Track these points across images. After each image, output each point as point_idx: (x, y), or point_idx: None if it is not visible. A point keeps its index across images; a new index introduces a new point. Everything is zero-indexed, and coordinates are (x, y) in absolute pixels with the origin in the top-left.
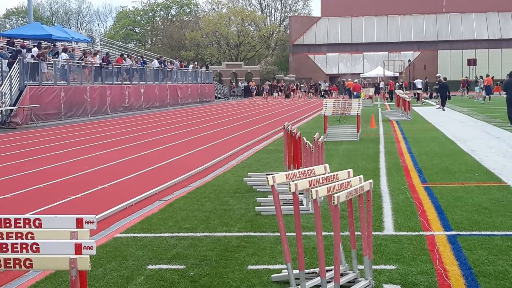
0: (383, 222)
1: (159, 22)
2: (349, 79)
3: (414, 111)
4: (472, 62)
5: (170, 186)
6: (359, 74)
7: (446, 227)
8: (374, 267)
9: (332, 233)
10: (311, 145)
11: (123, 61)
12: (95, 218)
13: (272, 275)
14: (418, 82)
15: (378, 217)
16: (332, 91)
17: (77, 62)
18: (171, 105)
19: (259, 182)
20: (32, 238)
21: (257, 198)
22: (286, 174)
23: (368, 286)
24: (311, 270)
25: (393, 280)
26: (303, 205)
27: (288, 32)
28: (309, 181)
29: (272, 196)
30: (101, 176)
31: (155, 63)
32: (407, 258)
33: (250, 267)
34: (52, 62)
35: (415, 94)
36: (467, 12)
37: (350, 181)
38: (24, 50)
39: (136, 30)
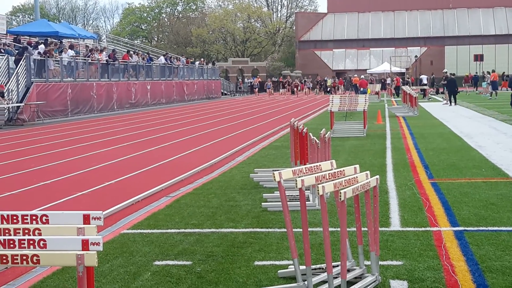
0: (389, 218)
1: (166, 19)
2: (355, 75)
3: (420, 107)
4: (479, 58)
5: (177, 183)
6: (366, 70)
7: (453, 223)
8: (380, 262)
9: (338, 229)
10: (318, 141)
11: (130, 57)
12: (102, 214)
13: (279, 271)
14: (424, 78)
15: (384, 213)
16: (335, 86)
17: (83, 59)
18: (177, 101)
19: (265, 178)
20: (39, 234)
21: (264, 194)
22: (292, 170)
23: (374, 281)
24: (318, 266)
25: (399, 275)
26: (309, 201)
27: (294, 28)
28: (315, 177)
29: (278, 192)
30: (107, 172)
31: (162, 59)
32: (413, 253)
33: (256, 263)
34: (59, 59)
35: (421, 90)
36: (474, 7)
37: (356, 177)
38: (31, 48)
39: (143, 27)
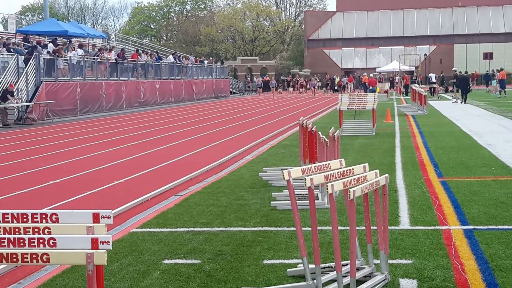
0: (399, 217)
1: (174, 18)
2: (365, 74)
3: (430, 105)
4: (488, 56)
5: (186, 181)
6: (375, 68)
7: (463, 222)
8: (390, 261)
9: (347, 228)
10: (327, 140)
11: (139, 56)
12: (111, 213)
13: (288, 270)
14: (432, 76)
15: (394, 212)
16: (341, 85)
17: (92, 58)
18: (186, 100)
19: (274, 177)
20: (49, 233)
21: (273, 193)
22: (301, 169)
23: (384, 280)
24: (327, 264)
25: (409, 274)
26: (318, 199)
27: (303, 26)
28: (324, 175)
29: (287, 190)
30: (116, 171)
31: (170, 58)
32: (423, 252)
33: (265, 261)
34: (68, 58)
35: (430, 89)
36: (483, 5)
37: (366, 175)
38: (40, 47)
39: (151, 26)
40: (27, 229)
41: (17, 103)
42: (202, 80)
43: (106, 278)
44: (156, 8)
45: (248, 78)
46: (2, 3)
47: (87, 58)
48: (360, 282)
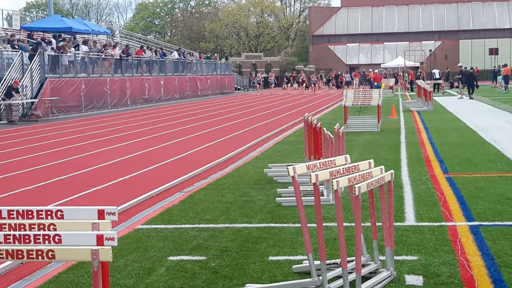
0: (404, 213)
1: (179, 14)
2: (370, 70)
3: (435, 101)
4: (494, 52)
5: (190, 178)
6: (380, 64)
7: (468, 218)
8: (395, 257)
9: (353, 224)
10: (332, 136)
11: (143, 53)
12: (116, 209)
13: (293, 266)
14: (436, 72)
15: (399, 208)
16: (342, 81)
17: (97, 55)
18: (191, 96)
19: (279, 173)
20: (54, 229)
21: (278, 189)
22: (306, 165)
23: (389, 276)
24: (332, 261)
25: (415, 270)
26: (323, 196)
27: (307, 22)
28: (330, 171)
29: (292, 187)
30: (121, 168)
31: (175, 55)
32: (429, 248)
33: (271, 258)
34: (72, 54)
35: (434, 85)
36: (488, 1)
37: (371, 171)
38: (44, 44)
39: (156, 22)
40: (32, 226)
41: (22, 99)
42: (207, 76)
43: (112, 275)
44: (161, 4)
45: (253, 74)
46: None
47: (91, 55)
48: (365, 278)
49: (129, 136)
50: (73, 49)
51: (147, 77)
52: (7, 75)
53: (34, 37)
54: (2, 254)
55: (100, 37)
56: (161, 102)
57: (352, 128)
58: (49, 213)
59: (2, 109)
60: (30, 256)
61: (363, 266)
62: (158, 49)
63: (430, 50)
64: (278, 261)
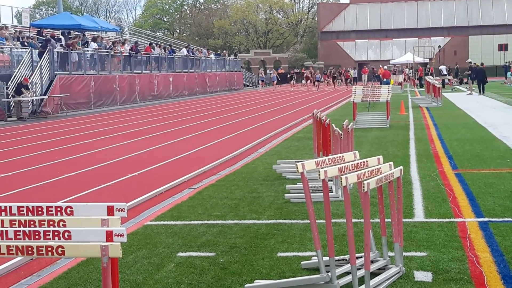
0: (413, 209)
1: (187, 11)
2: (380, 66)
3: (444, 97)
4: (503, 47)
5: (199, 174)
6: (389, 60)
7: (478, 214)
8: (404, 254)
9: (362, 220)
10: (341, 132)
11: (152, 50)
12: (126, 206)
13: (302, 262)
14: (443, 68)
15: (408, 204)
16: (348, 78)
17: (106, 51)
18: (199, 93)
19: (288, 169)
20: (64, 225)
21: (287, 186)
22: (315, 161)
23: (398, 273)
24: (341, 257)
25: (424, 267)
26: (332, 192)
27: (316, 19)
28: (338, 168)
29: (301, 183)
30: (130, 164)
31: (184, 51)
32: (438, 245)
33: (279, 254)
34: (82, 51)
35: (442, 81)
36: None
37: (380, 167)
38: (54, 40)
39: (165, 19)
40: (42, 222)
41: (31, 96)
42: (216, 73)
43: (121, 271)
44: (169, 1)
45: (261, 71)
46: None
47: (100, 52)
48: (374, 274)
49: (138, 133)
50: (79, 42)
51: (156, 74)
52: (17, 72)
53: (43, 34)
54: (12, 250)
55: (109, 34)
56: (170, 99)
57: (361, 125)
58: (58, 209)
59: (12, 106)
60: (40, 252)
61: (372, 262)
62: (167, 46)
63: (439, 46)
64: (287, 257)
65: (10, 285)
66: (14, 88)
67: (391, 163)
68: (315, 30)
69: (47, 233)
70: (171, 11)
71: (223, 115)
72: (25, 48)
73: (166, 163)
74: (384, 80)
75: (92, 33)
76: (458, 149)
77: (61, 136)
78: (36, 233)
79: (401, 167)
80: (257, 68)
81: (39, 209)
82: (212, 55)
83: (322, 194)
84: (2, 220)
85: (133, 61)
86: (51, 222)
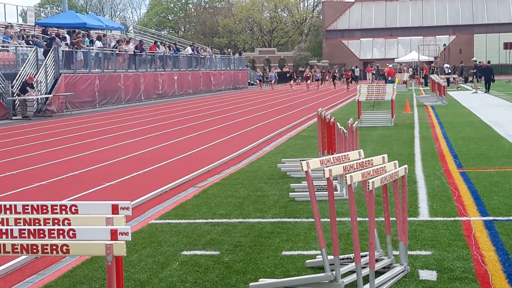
0: (418, 208)
1: (192, 9)
2: (387, 64)
3: (449, 96)
4: (508, 46)
5: (204, 173)
6: (393, 59)
7: (483, 213)
8: (409, 252)
9: (366, 219)
10: (345, 131)
11: (157, 48)
12: (130, 204)
13: (307, 261)
14: (447, 67)
15: (413, 203)
16: (349, 78)
17: (111, 50)
18: (204, 92)
19: (293, 168)
20: (69, 224)
21: (291, 184)
22: (320, 160)
23: (403, 271)
24: (346, 256)
25: (429, 265)
26: (337, 190)
27: (321, 17)
28: (343, 166)
29: (306, 182)
30: (135, 163)
31: (188, 50)
32: (443, 243)
33: (284, 253)
34: (87, 50)
35: (448, 79)
36: None
37: (385, 166)
38: (59, 39)
39: (169, 18)
40: (47, 220)
41: (36, 95)
42: (220, 71)
43: (125, 269)
44: (174, 0)
45: (266, 69)
46: None
47: (105, 50)
48: (379, 273)
49: (143, 132)
50: (86, 39)
51: (160, 73)
52: (22, 70)
53: (48, 33)
54: (17, 248)
55: (114, 32)
56: (174, 98)
57: (365, 123)
58: (63, 208)
59: (17, 105)
60: (45, 251)
61: (377, 261)
62: (172, 45)
63: (445, 45)
64: (291, 256)
65: (15, 284)
66: (19, 87)
67: (396, 161)
68: (320, 28)
69: (52, 231)
70: (176, 9)
71: (228, 114)
72: (30, 47)
73: (171, 162)
74: (389, 78)
75: (97, 31)
76: (463, 147)
77: (66, 134)
78: (41, 232)
79: (406, 165)
80: (262, 66)
81: (44, 207)
82: (216, 55)
83: (326, 192)
84: (7, 219)
85: (138, 59)
86: (56, 221)
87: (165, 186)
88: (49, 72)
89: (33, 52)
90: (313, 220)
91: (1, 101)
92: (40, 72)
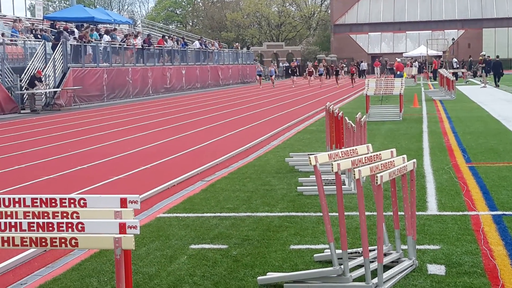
0: (426, 202)
1: (200, 3)
2: (396, 59)
3: (458, 90)
4: None
5: (212, 167)
6: (402, 53)
7: (491, 207)
8: (418, 247)
9: (374, 213)
10: (353, 125)
11: (165, 42)
12: (139, 198)
13: (315, 255)
14: (455, 62)
15: (421, 197)
16: (353, 73)
17: (119, 44)
18: (212, 86)
19: (300, 162)
20: (78, 217)
21: (299, 178)
22: (328, 154)
23: (411, 266)
24: (354, 250)
25: (437, 260)
26: (345, 185)
27: (329, 11)
28: (351, 161)
29: (314, 176)
30: (143, 156)
31: (196, 44)
32: (451, 238)
33: (292, 247)
34: (95, 44)
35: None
36: None
37: (393, 160)
38: (67, 33)
39: (177, 12)
40: (55, 214)
41: (44, 89)
42: (228, 65)
43: (134, 263)
44: None
45: (274, 64)
46: None
47: (113, 44)
48: (387, 267)
49: (151, 125)
50: (95, 33)
51: (168, 67)
52: (30, 64)
53: (56, 27)
54: (26, 241)
55: (122, 26)
56: (182, 92)
57: (373, 117)
58: (72, 201)
59: (26, 99)
60: (54, 244)
61: (385, 255)
62: (180, 39)
63: (453, 39)
64: (299, 250)
65: (24, 276)
66: (28, 81)
67: (405, 156)
68: (328, 23)
69: (60, 224)
70: (184, 3)
71: (236, 108)
72: (39, 41)
73: (179, 156)
74: (398, 73)
75: (105, 26)
76: (472, 142)
77: (74, 128)
78: (50, 225)
79: (414, 160)
80: (270, 61)
81: (53, 201)
82: (224, 49)
83: (334, 187)
84: (16, 212)
85: (146, 53)
86: (65, 214)
87: (173, 180)
88: (57, 66)
89: (42, 46)
90: (321, 214)
91: (10, 95)
92: (49, 66)
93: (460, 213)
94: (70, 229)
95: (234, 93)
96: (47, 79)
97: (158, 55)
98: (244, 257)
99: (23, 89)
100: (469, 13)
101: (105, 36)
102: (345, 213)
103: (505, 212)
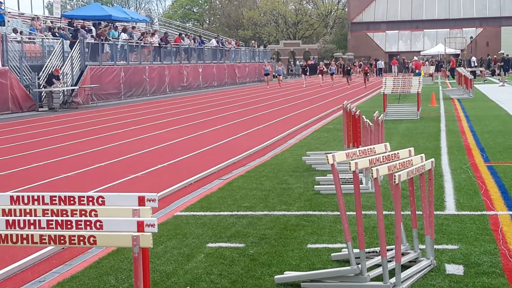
0: (444, 202)
1: (217, 1)
2: (415, 58)
3: (476, 89)
4: None
5: (229, 165)
6: (419, 52)
7: (510, 207)
8: (436, 246)
9: (392, 213)
10: (371, 124)
11: (181, 40)
12: (157, 196)
13: (332, 254)
14: (473, 61)
15: (439, 196)
16: (366, 72)
17: (136, 42)
18: (229, 84)
19: (318, 161)
20: (96, 215)
21: (316, 177)
22: (346, 153)
23: (429, 265)
24: (372, 249)
25: (455, 260)
26: (362, 184)
27: (346, 9)
28: (369, 159)
29: (331, 175)
30: (161, 155)
31: (213, 42)
32: (469, 238)
33: (309, 246)
34: (112, 42)
35: (471, 72)
36: None
37: (411, 159)
38: (84, 31)
39: (194, 10)
40: (74, 212)
41: (62, 87)
42: (245, 64)
43: (151, 261)
44: None
45: (291, 62)
46: None
47: (130, 42)
48: (405, 267)
49: (168, 124)
50: (113, 31)
51: (185, 65)
52: (48, 62)
53: (74, 25)
54: (45, 239)
55: (139, 25)
56: (199, 90)
57: (391, 116)
58: (90, 199)
59: (43, 97)
60: (72, 242)
61: (403, 254)
62: (197, 37)
63: (471, 37)
64: (316, 249)
65: (42, 274)
66: (46, 79)
67: (423, 155)
68: (345, 21)
69: (79, 222)
70: (200, 1)
71: (253, 106)
72: (56, 39)
73: (196, 154)
74: (416, 71)
75: (122, 24)
76: (490, 141)
77: (92, 126)
78: (68, 223)
79: (432, 159)
80: (287, 59)
81: (71, 199)
82: (241, 47)
83: (352, 186)
84: (35, 210)
85: (163, 52)
86: (83, 212)
87: (191, 178)
88: (75, 64)
89: (59, 44)
90: (338, 213)
91: (28, 93)
92: (66, 64)
93: (479, 212)
94: (88, 227)
95: (251, 92)
96: (65, 77)
97: (175, 53)
98: (261, 256)
99: (41, 87)
100: (487, 11)
101: (122, 34)
102: (363, 212)
103: None
